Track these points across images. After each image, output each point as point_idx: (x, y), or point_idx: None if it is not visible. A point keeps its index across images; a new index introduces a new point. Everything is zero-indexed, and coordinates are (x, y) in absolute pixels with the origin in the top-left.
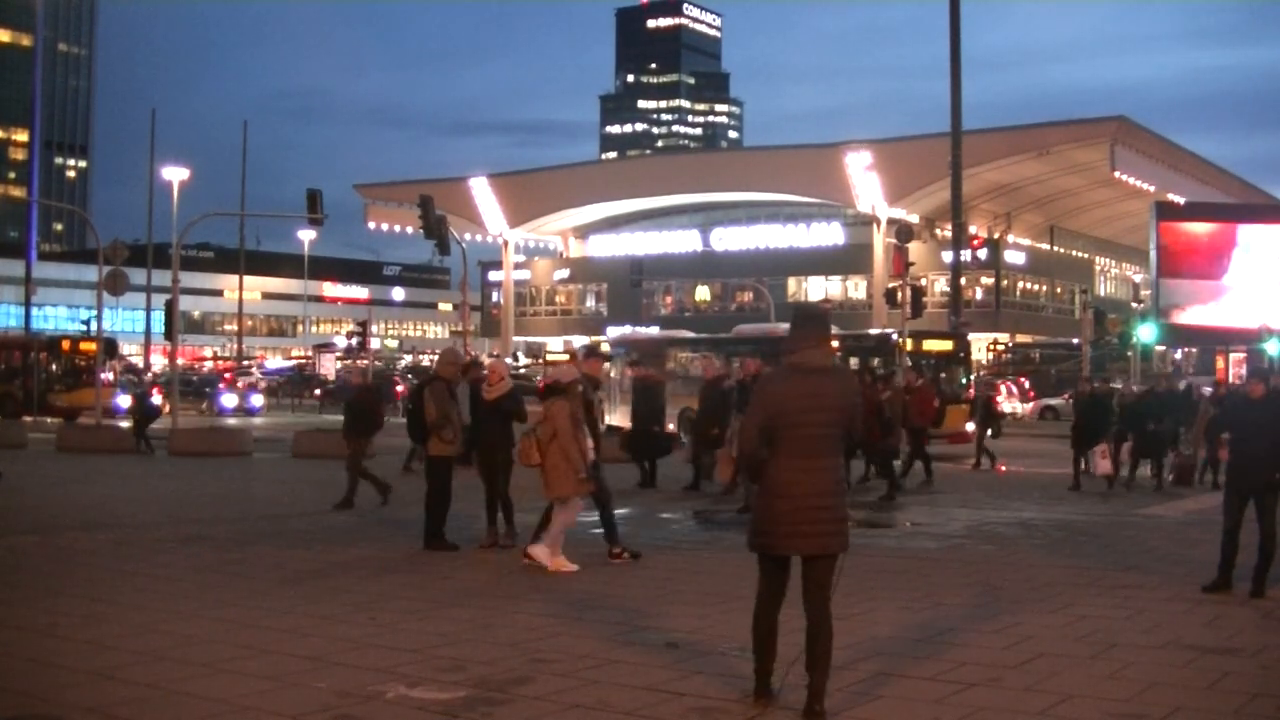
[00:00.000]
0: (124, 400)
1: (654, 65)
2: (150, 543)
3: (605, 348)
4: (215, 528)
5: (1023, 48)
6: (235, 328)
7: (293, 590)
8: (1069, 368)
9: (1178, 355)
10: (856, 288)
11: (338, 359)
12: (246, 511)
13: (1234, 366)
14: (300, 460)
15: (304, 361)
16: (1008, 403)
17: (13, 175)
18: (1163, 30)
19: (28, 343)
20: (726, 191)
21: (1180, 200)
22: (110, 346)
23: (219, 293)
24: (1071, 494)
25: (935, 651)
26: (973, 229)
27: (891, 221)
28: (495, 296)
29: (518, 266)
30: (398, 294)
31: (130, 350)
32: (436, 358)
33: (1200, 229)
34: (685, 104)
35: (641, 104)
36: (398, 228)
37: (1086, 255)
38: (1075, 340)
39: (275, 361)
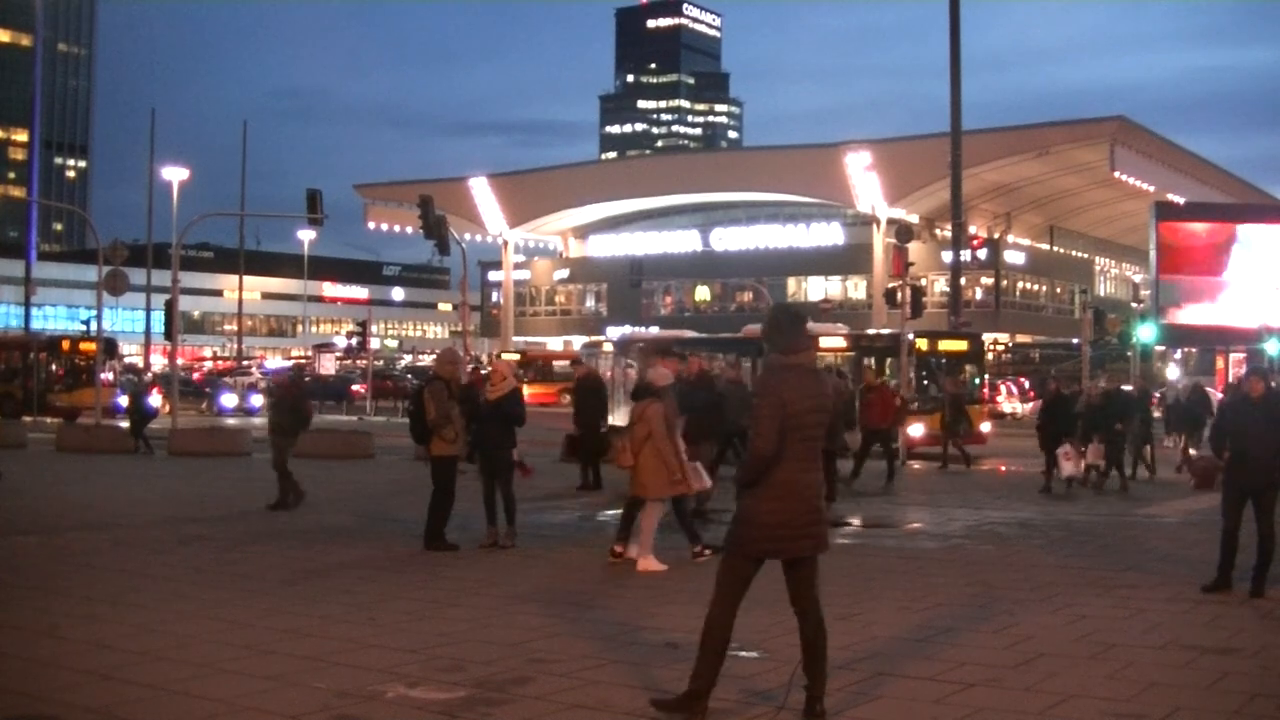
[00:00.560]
0: (124, 400)
1: (654, 65)
2: (150, 543)
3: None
4: (215, 528)
5: (1022, 48)
6: (235, 328)
7: (293, 590)
8: (1069, 368)
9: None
10: (856, 288)
11: (338, 359)
12: (246, 511)
13: (1234, 367)
14: (300, 460)
15: (301, 362)
16: (1008, 403)
17: (12, 175)
18: (1162, 30)
19: (27, 343)
20: (726, 191)
21: (1180, 200)
22: (110, 346)
23: (219, 293)
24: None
25: (935, 651)
26: (972, 229)
27: (891, 221)
28: (495, 297)
29: (517, 266)
30: (397, 294)
31: (130, 350)
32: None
33: (1199, 229)
34: (685, 104)
35: (641, 104)
36: (397, 228)
37: (1086, 255)
38: (1075, 340)
39: (274, 362)
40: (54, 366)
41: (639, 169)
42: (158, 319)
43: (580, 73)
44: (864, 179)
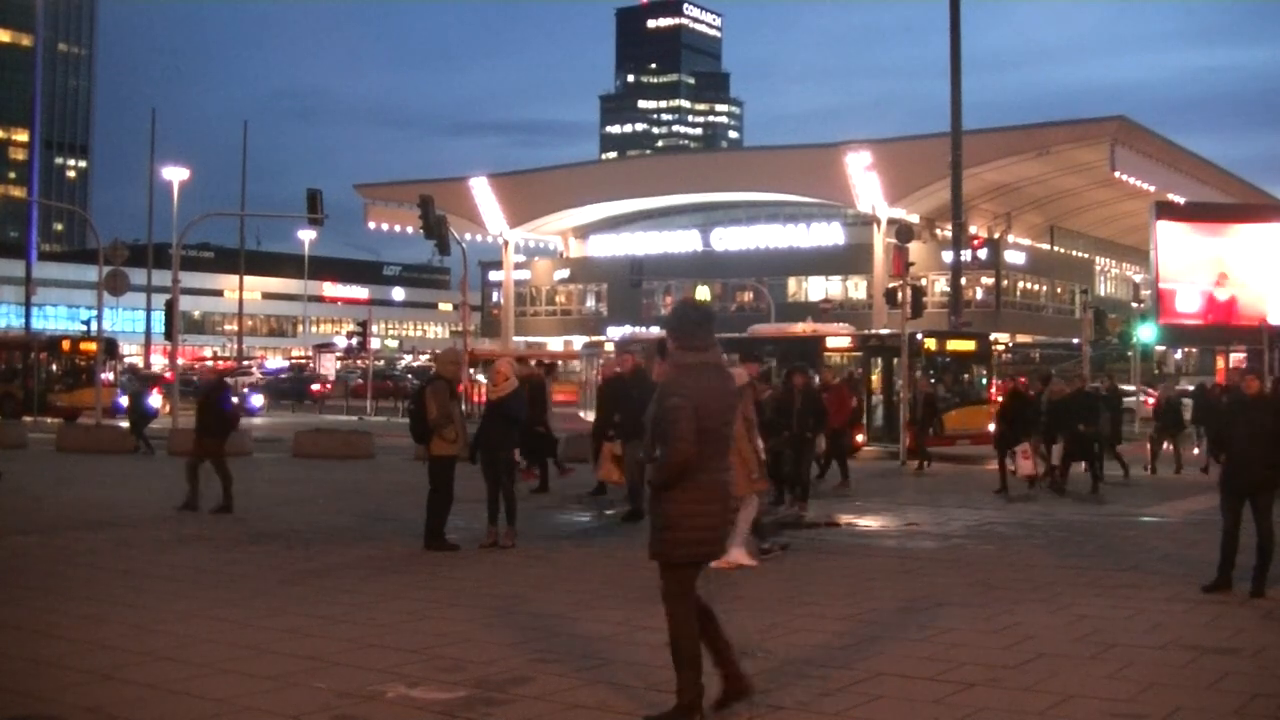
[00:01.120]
0: (124, 400)
1: (654, 65)
2: (150, 543)
3: (609, 347)
4: (215, 528)
5: (1022, 48)
6: (235, 328)
7: (293, 590)
8: (1069, 368)
9: (1178, 355)
10: (857, 288)
11: (338, 359)
12: (246, 511)
13: (1234, 366)
14: (299, 460)
15: (298, 362)
16: None
17: (13, 175)
18: (1162, 30)
19: (28, 343)
20: (726, 191)
21: (1180, 200)
22: (110, 346)
23: (219, 293)
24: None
25: (935, 651)
26: (973, 229)
27: (891, 221)
28: (495, 297)
29: (518, 266)
30: (398, 294)
31: (130, 350)
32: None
33: (1200, 228)
34: (685, 104)
35: (641, 104)
36: (398, 228)
37: (1086, 255)
38: (1075, 340)
39: (273, 362)
40: (54, 366)
41: (639, 169)
42: (158, 319)
43: (581, 73)
44: (864, 179)
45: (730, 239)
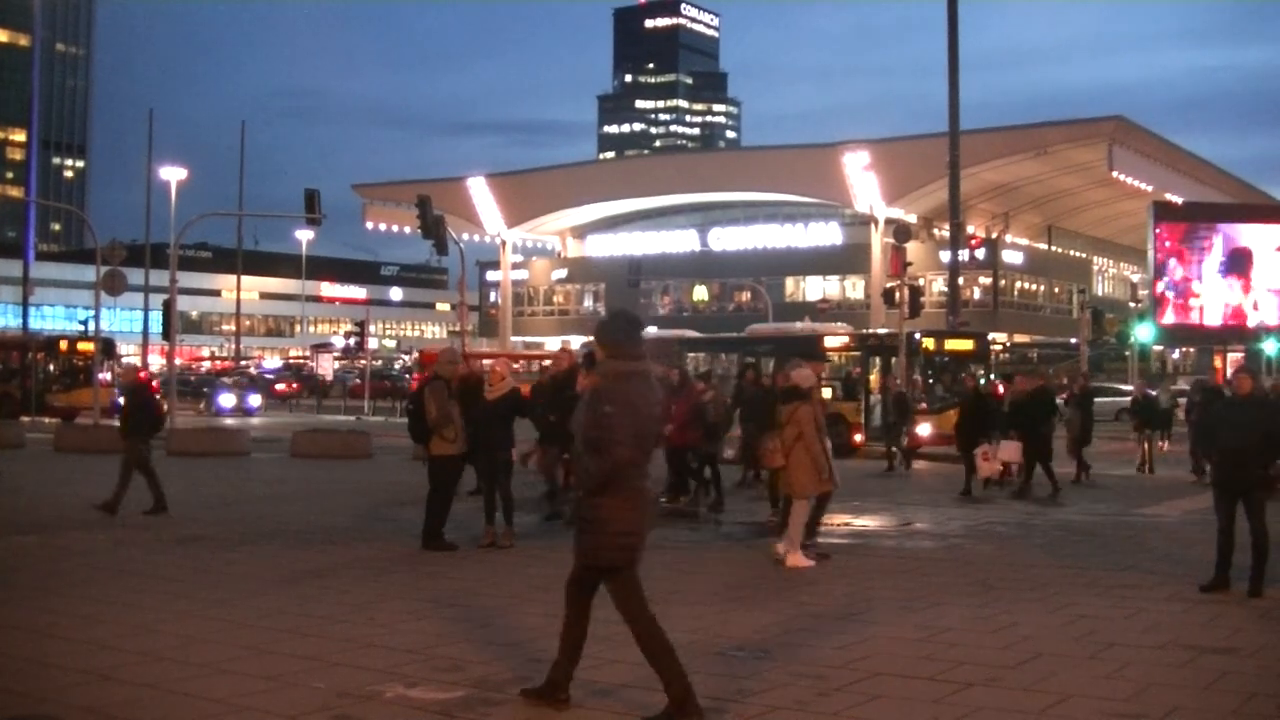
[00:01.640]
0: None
1: (652, 65)
2: (149, 543)
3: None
4: (215, 528)
5: (1020, 48)
6: (233, 328)
7: (292, 590)
8: (1067, 367)
9: (1175, 355)
10: (854, 287)
11: (336, 359)
12: (245, 511)
13: (1232, 366)
14: (299, 460)
15: (294, 361)
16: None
17: (10, 175)
18: (1160, 30)
19: (25, 343)
20: (724, 191)
21: (1178, 200)
22: (108, 346)
23: (217, 293)
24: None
25: (934, 651)
26: (970, 229)
27: (889, 221)
28: (493, 297)
29: (515, 266)
30: (395, 294)
31: (128, 350)
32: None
33: (1198, 229)
34: (683, 104)
35: (639, 104)
36: (395, 228)
37: (1084, 255)
38: (1073, 340)
39: (268, 362)
40: (52, 366)
41: (637, 169)
42: (156, 319)
43: (578, 72)
44: (862, 179)
45: (728, 239)
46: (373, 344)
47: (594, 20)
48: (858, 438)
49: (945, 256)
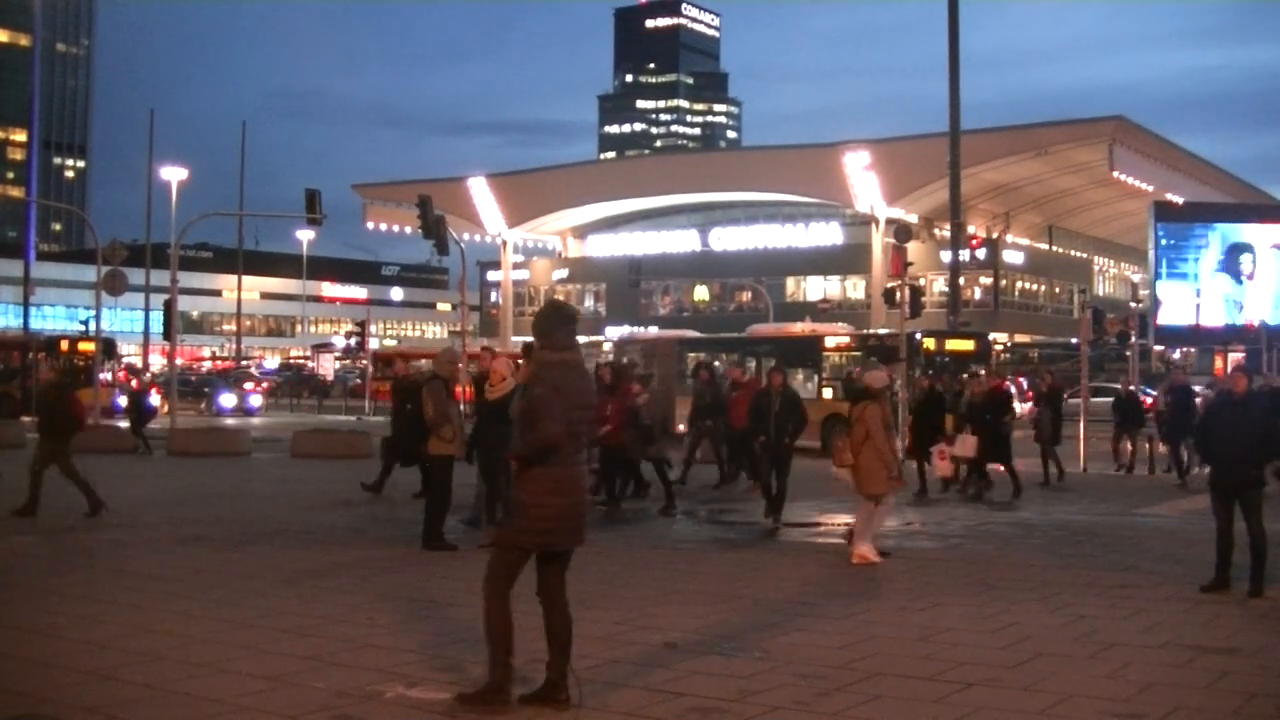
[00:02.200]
0: (123, 400)
1: (652, 65)
2: (149, 543)
3: (607, 347)
4: (214, 528)
5: (1021, 47)
6: (234, 328)
7: (292, 590)
8: (1067, 367)
9: (1176, 355)
10: (855, 288)
11: (336, 359)
12: (245, 511)
13: (1233, 366)
14: (299, 460)
15: (292, 362)
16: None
17: (11, 175)
18: (1160, 30)
19: (26, 343)
20: (725, 191)
21: (1179, 200)
22: (109, 347)
23: (217, 293)
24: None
25: (934, 651)
26: (971, 229)
27: (890, 221)
28: (494, 297)
29: (516, 267)
30: (396, 294)
31: (129, 350)
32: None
33: (1198, 229)
34: (684, 104)
35: (640, 104)
36: (396, 228)
37: (1085, 255)
38: (1074, 340)
39: (268, 362)
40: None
41: (638, 169)
42: (156, 319)
43: (579, 72)
44: (863, 179)
45: (729, 239)
46: (373, 344)
47: (594, 20)
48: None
49: (946, 256)
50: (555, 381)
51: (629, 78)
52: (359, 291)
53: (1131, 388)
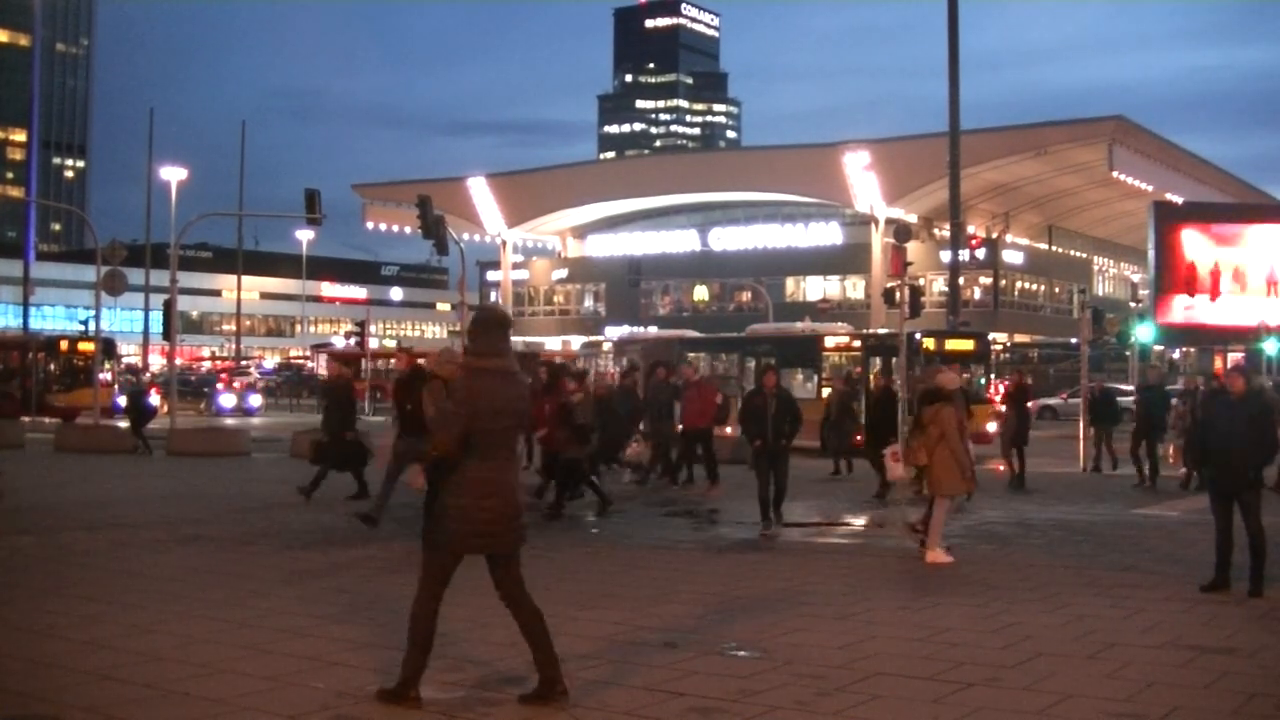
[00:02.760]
0: (123, 400)
1: (652, 65)
2: (149, 543)
3: (606, 347)
4: (215, 528)
5: (1021, 47)
6: (233, 328)
7: (292, 590)
8: (1067, 367)
9: (1176, 355)
10: (855, 287)
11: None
12: (245, 512)
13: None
14: (298, 460)
15: (291, 362)
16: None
17: (10, 175)
18: (1160, 30)
19: (26, 343)
20: (725, 191)
21: (1178, 200)
22: (108, 346)
23: (217, 293)
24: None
25: (934, 651)
26: (971, 229)
27: (890, 221)
28: (493, 297)
29: (516, 266)
30: (396, 294)
31: (128, 350)
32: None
33: (1198, 229)
34: (683, 104)
35: (639, 104)
36: (396, 228)
37: (1084, 255)
38: (1073, 340)
39: (269, 362)
40: (52, 366)
41: (637, 169)
42: (156, 319)
43: (578, 72)
44: (862, 179)
45: (728, 239)
46: (373, 344)
47: (594, 20)
48: (859, 438)
49: (946, 256)
50: (470, 391)
51: (628, 78)
52: (359, 291)
53: (1106, 386)
